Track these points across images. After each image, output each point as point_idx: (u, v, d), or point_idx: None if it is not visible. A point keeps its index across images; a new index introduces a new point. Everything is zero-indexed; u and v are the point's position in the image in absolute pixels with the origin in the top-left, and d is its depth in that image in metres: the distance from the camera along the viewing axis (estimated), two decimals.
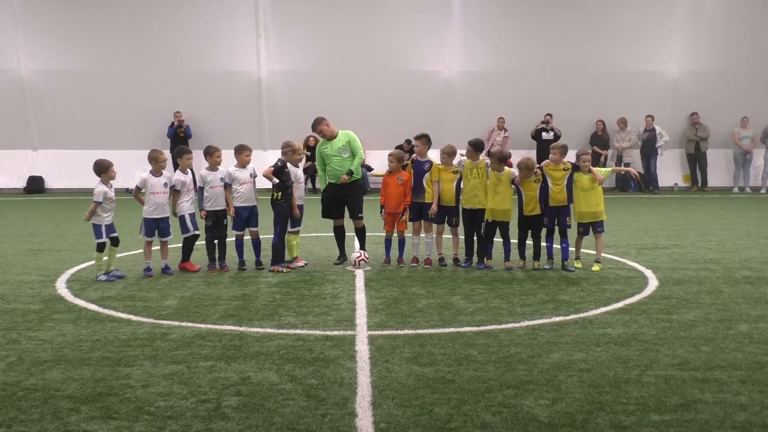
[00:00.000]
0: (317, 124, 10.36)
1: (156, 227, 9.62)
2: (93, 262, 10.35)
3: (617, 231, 13.47)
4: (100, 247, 9.31)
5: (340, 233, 10.70)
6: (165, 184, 9.69)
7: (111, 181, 9.48)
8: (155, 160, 9.74)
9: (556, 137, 21.21)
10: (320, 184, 10.84)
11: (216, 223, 9.98)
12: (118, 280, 9.23)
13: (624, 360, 6.00)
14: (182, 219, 9.76)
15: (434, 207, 10.15)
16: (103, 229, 9.30)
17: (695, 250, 11.52)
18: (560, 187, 9.90)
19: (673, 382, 5.49)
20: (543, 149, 20.52)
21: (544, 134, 21.93)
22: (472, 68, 22.58)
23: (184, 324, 7.16)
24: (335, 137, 10.39)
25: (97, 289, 8.75)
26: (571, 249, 10.16)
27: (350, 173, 10.30)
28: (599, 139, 22.65)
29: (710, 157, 23.04)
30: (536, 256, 10.04)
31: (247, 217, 10.10)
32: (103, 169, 9.41)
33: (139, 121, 22.25)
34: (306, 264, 10.42)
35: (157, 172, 9.68)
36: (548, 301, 8.11)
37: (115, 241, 9.43)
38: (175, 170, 10.20)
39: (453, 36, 22.48)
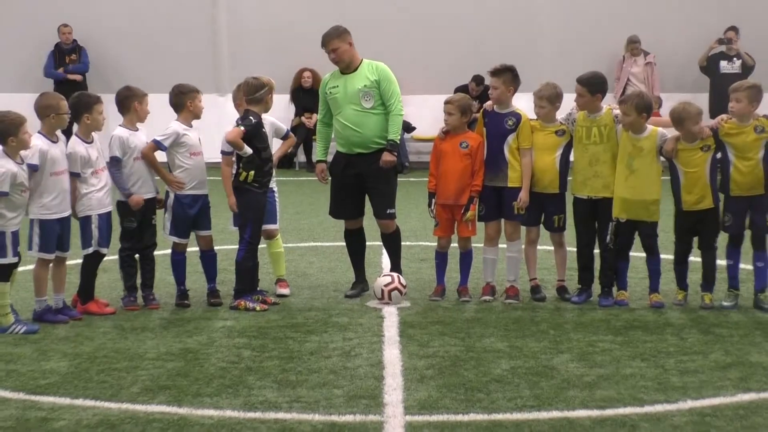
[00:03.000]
0: (333, 37, 10.33)
1: (60, 234, 9.53)
2: None
3: None
4: (5, 273, 9.11)
5: (356, 242, 10.71)
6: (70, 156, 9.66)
7: (23, 152, 9.15)
8: (54, 109, 9.47)
9: (746, 70, 20.95)
10: (316, 154, 10.86)
11: (142, 222, 10.02)
12: None
13: None
14: (86, 223, 9.72)
15: (524, 195, 10.11)
16: (9, 239, 9.08)
17: None
18: (752, 162, 9.76)
19: None
20: (721, 91, 20.18)
21: (723, 63, 21.71)
22: None
23: (78, 402, 7.14)
24: (356, 70, 10.39)
25: None
26: None
27: (393, 147, 10.29)
28: None
29: None
30: (707, 283, 9.95)
31: (196, 214, 10.15)
32: (9, 130, 9.03)
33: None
34: (289, 294, 10.54)
35: (52, 133, 9.58)
36: (730, 366, 8.02)
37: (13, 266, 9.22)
38: (67, 136, 10.13)
39: None
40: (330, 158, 10.72)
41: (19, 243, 9.29)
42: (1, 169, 8.91)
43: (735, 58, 21.71)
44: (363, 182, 10.44)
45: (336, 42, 10.32)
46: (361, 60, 10.44)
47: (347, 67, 10.39)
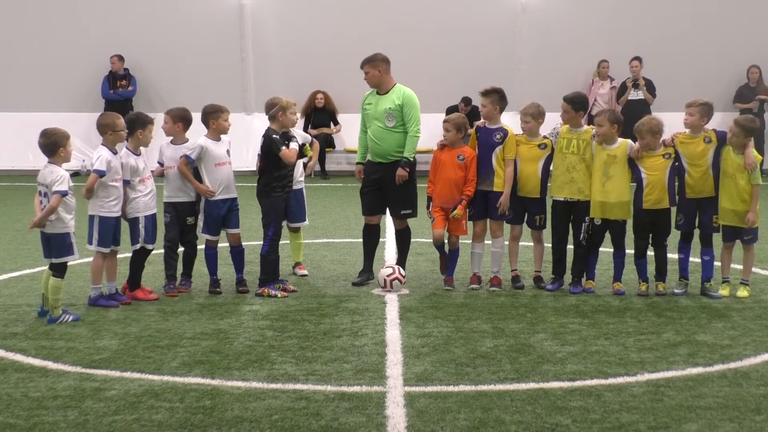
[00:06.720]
0: (366, 62, 10.36)
1: (115, 230, 9.52)
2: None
3: None
4: (64, 270, 8.97)
5: (372, 236, 10.65)
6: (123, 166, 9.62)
7: (65, 163, 9.06)
8: (110, 128, 9.48)
9: (651, 94, 21.14)
10: (357, 157, 10.81)
11: (179, 221, 10.01)
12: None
13: None
14: (134, 223, 9.67)
15: (504, 199, 10.06)
16: (73, 239, 8.94)
17: None
18: (702, 169, 9.75)
19: None
20: (627, 113, 19.67)
21: (634, 92, 21.68)
22: None
23: (127, 375, 7.17)
24: (387, 93, 10.37)
25: None
26: (717, 264, 10.04)
27: (406, 164, 10.22)
28: (750, 96, 22.02)
29: None
30: (660, 274, 9.93)
31: (224, 215, 10.10)
32: (60, 142, 8.95)
33: (60, 71, 22.43)
34: (308, 274, 10.61)
35: (113, 146, 9.54)
36: (680, 344, 8.05)
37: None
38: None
39: None
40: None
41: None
42: (60, 173, 8.82)
43: (637, 87, 21.64)
44: (383, 184, 10.38)
45: (367, 67, 10.37)
46: (395, 84, 10.42)
47: (379, 89, 10.41)
